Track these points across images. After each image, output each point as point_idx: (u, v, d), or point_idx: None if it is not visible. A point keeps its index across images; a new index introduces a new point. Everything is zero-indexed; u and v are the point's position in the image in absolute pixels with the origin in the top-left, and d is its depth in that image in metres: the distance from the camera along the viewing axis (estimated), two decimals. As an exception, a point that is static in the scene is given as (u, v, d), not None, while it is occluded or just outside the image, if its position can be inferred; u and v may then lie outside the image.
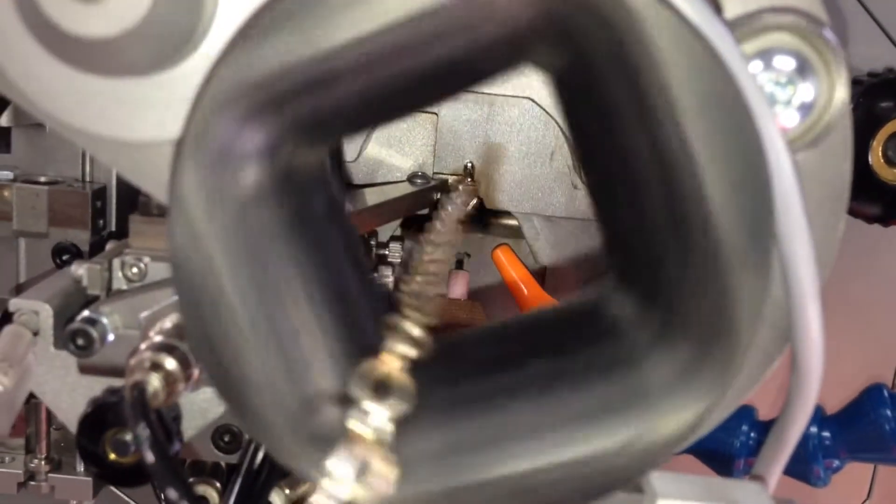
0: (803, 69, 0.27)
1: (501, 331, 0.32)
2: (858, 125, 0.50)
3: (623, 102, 0.26)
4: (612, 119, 0.27)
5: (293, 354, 0.27)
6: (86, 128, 0.28)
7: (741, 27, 0.27)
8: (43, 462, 0.58)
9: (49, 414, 0.58)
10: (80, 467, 0.58)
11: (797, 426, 0.33)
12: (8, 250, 0.58)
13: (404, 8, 0.24)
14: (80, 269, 0.43)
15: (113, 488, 0.63)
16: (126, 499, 0.65)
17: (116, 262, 0.43)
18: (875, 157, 0.52)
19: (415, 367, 0.27)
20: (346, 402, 0.27)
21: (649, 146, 0.26)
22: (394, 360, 0.26)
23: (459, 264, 0.65)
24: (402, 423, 0.26)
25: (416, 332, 0.27)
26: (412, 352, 0.27)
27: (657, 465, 0.29)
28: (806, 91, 0.27)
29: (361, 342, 0.28)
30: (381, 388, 0.26)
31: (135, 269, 0.43)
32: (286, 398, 0.27)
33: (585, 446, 0.28)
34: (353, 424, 0.26)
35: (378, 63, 0.25)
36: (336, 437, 0.27)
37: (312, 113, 0.26)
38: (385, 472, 0.25)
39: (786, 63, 0.27)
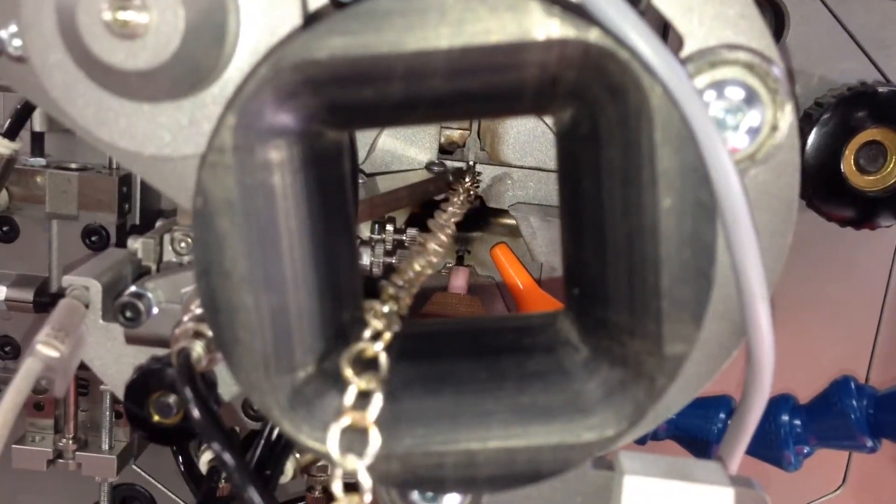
0: (751, 99, 0.30)
1: (472, 325, 0.36)
2: (832, 135, 0.54)
3: (613, 165, 0.30)
4: (598, 175, 0.30)
5: (280, 301, 0.30)
6: (116, 143, 0.32)
7: (699, 60, 0.30)
8: (70, 441, 0.62)
9: (77, 396, 0.62)
10: (106, 446, 0.62)
11: (754, 413, 0.36)
12: (41, 231, 0.63)
13: (450, 40, 0.27)
14: (135, 244, 0.48)
15: (135, 467, 0.67)
16: (147, 476, 0.69)
17: (167, 238, 0.48)
18: (847, 164, 0.55)
19: (393, 342, 0.31)
20: (325, 358, 0.31)
21: (623, 206, 0.30)
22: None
23: (460, 260, 0.68)
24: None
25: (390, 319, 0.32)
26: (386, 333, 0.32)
27: (579, 466, 0.32)
28: (753, 117, 0.30)
29: (341, 308, 0.32)
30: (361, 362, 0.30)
31: (183, 244, 0.48)
32: (266, 338, 0.31)
33: (522, 439, 0.32)
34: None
35: (414, 77, 0.29)
36: (308, 395, 0.31)
37: (345, 103, 0.30)
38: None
39: (736, 93, 0.30)
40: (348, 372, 0.31)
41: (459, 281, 0.64)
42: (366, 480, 0.31)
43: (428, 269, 0.44)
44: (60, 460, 0.62)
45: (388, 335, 0.32)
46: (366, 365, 0.32)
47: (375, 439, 0.31)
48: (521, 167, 0.65)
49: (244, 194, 0.29)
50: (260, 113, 0.29)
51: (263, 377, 0.31)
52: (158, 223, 0.50)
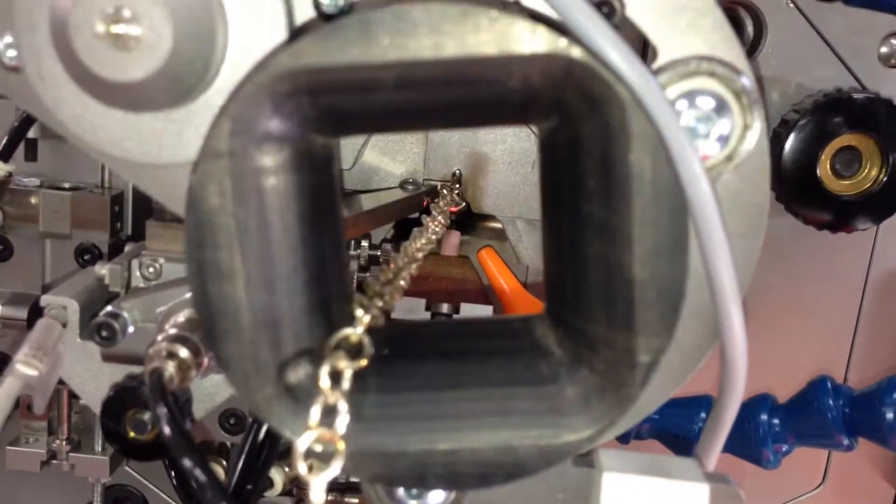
0: (721, 108, 0.31)
1: (452, 327, 0.37)
2: (808, 140, 0.55)
3: (590, 176, 0.31)
4: (577, 186, 0.32)
5: (271, 301, 0.31)
6: (109, 151, 0.32)
7: (672, 71, 0.31)
8: (64, 442, 0.62)
9: (70, 398, 0.62)
10: (99, 447, 0.63)
11: (730, 411, 0.37)
12: (35, 250, 0.64)
13: (437, 51, 0.28)
14: (102, 269, 0.48)
15: (127, 468, 0.68)
16: (139, 477, 0.69)
17: (135, 263, 0.48)
18: (823, 169, 0.56)
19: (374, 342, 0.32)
20: (312, 355, 0.32)
21: (599, 217, 0.31)
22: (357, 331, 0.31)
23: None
24: (355, 387, 0.31)
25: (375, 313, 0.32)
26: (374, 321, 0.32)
27: (559, 464, 0.34)
28: (723, 126, 0.31)
29: (331, 308, 0.33)
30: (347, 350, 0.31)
31: (151, 269, 0.48)
32: (257, 337, 0.31)
33: (503, 440, 0.33)
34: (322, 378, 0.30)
35: (401, 88, 0.30)
36: (298, 393, 0.32)
37: (334, 111, 0.31)
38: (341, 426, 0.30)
39: (706, 103, 0.31)
40: (325, 383, 0.30)
41: (451, 244, 0.65)
42: (319, 496, 0.30)
43: (412, 265, 0.44)
44: (54, 461, 0.62)
45: (367, 318, 0.33)
46: (354, 353, 0.32)
47: (341, 454, 0.30)
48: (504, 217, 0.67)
49: (236, 198, 0.30)
50: (253, 119, 0.30)
51: (254, 375, 0.32)
52: (127, 248, 0.51)
